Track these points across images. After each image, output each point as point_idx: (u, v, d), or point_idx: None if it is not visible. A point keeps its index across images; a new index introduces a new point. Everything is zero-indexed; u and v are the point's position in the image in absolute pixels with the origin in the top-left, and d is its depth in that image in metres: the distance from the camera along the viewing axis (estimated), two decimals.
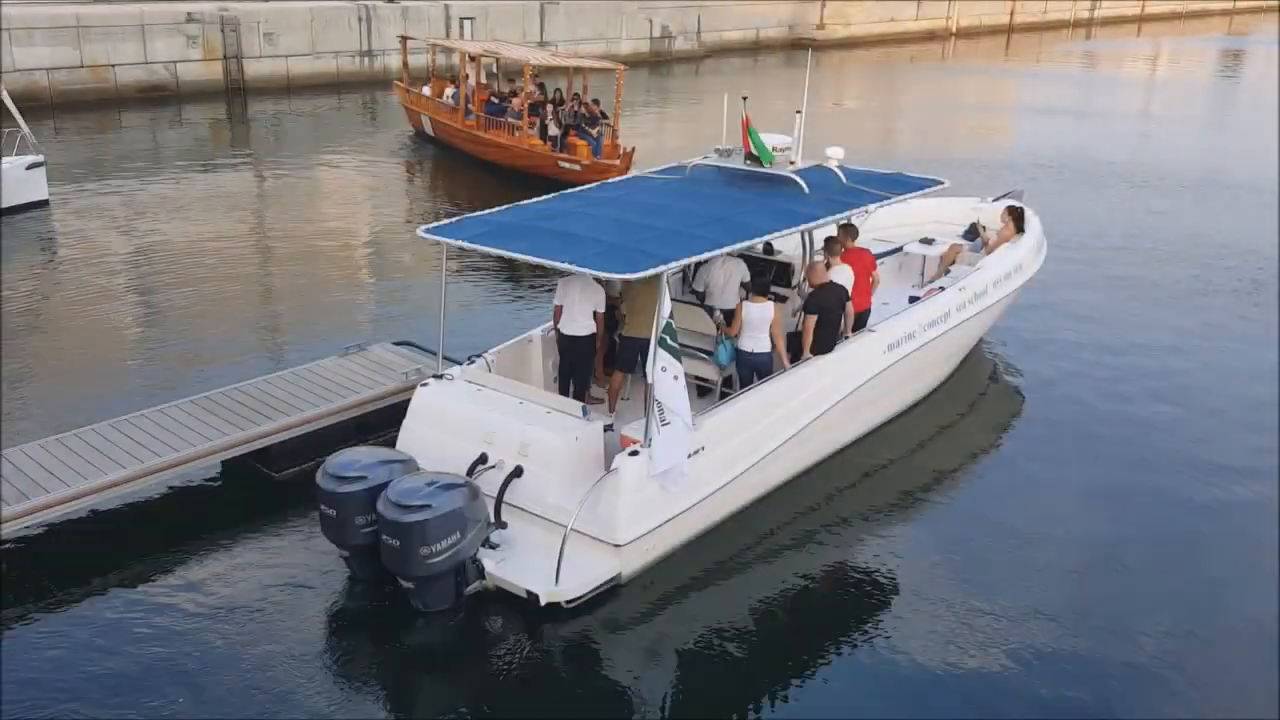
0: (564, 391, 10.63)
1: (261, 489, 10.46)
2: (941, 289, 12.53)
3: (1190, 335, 15.55)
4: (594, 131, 23.70)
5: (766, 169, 11.49)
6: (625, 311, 10.56)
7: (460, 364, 10.42)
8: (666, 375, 8.59)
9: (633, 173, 20.73)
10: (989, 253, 13.80)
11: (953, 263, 13.95)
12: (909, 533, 10.28)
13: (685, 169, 11.99)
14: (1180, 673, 8.33)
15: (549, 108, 24.19)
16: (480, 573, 8.60)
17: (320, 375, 11.50)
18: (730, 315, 10.81)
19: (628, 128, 25.91)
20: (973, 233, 14.53)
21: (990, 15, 65.07)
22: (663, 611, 8.77)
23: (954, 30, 61.74)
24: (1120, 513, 10.65)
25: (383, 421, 11.23)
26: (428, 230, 9.84)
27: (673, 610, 8.79)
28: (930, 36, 59.90)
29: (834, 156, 11.96)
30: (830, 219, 10.93)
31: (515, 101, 24.54)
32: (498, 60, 26.19)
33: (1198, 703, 8.01)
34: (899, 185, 11.94)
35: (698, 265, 10.69)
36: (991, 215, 14.67)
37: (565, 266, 8.95)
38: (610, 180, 11.73)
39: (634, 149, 22.45)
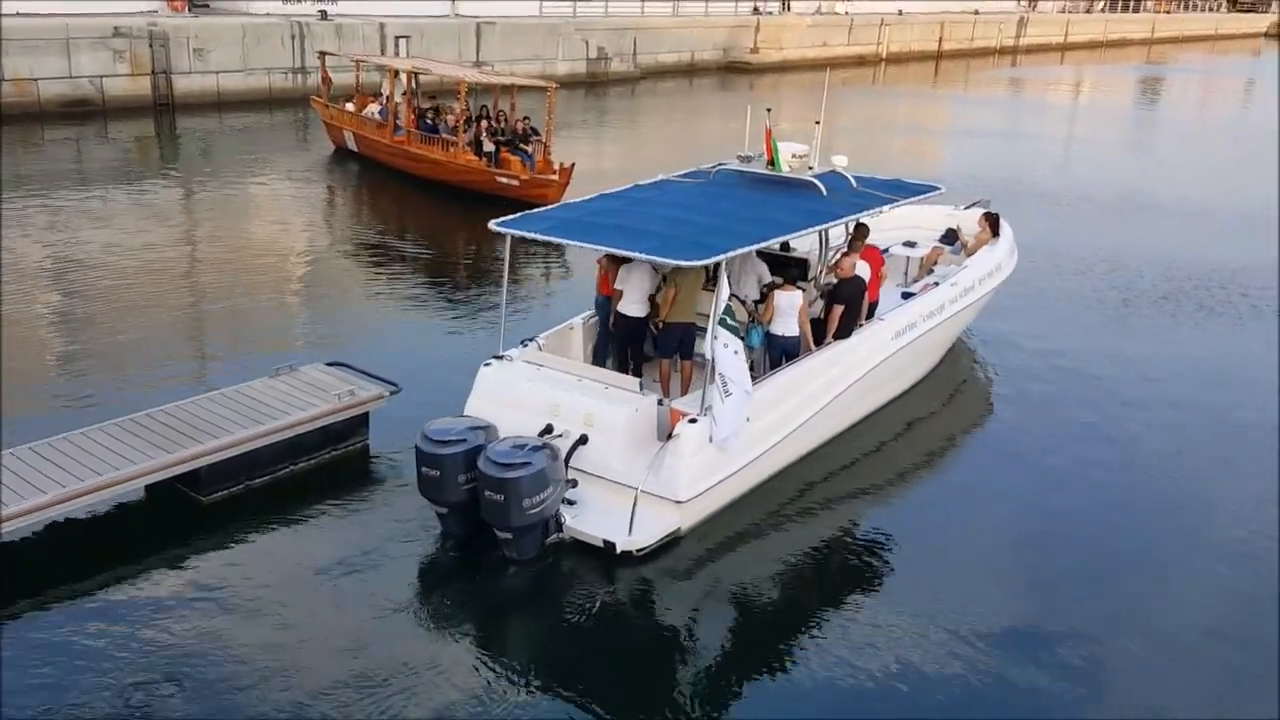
0: (621, 366, 11.64)
1: (189, 514, 10.31)
2: (936, 284, 13.79)
3: (1118, 341, 16.55)
4: (527, 148, 23.55)
5: (787, 173, 12.68)
6: (665, 300, 11.37)
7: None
8: (728, 351, 9.65)
9: (571, 188, 20.98)
10: (968, 255, 14.93)
11: (934, 264, 15.02)
12: (912, 496, 11.77)
13: (709, 173, 13.06)
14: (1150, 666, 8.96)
15: (483, 124, 24.00)
16: (559, 526, 9.74)
17: (250, 396, 11.23)
18: (759, 304, 11.94)
19: (565, 147, 25.91)
20: (950, 236, 15.57)
21: (919, 41, 66.42)
22: (716, 560, 10.02)
23: (884, 55, 62.82)
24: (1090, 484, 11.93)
25: (316, 443, 11.01)
26: (499, 224, 10.85)
27: (725, 559, 10.05)
28: (861, 61, 60.91)
29: (839, 163, 13.10)
30: (848, 218, 12.19)
31: (450, 118, 24.29)
32: (417, 76, 25.82)
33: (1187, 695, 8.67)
34: (902, 190, 13.20)
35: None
36: (967, 220, 15.90)
37: (637, 255, 10.11)
38: (640, 183, 12.71)
39: (574, 164, 22.33)
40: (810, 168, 12.92)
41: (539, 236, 10.61)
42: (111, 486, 9.63)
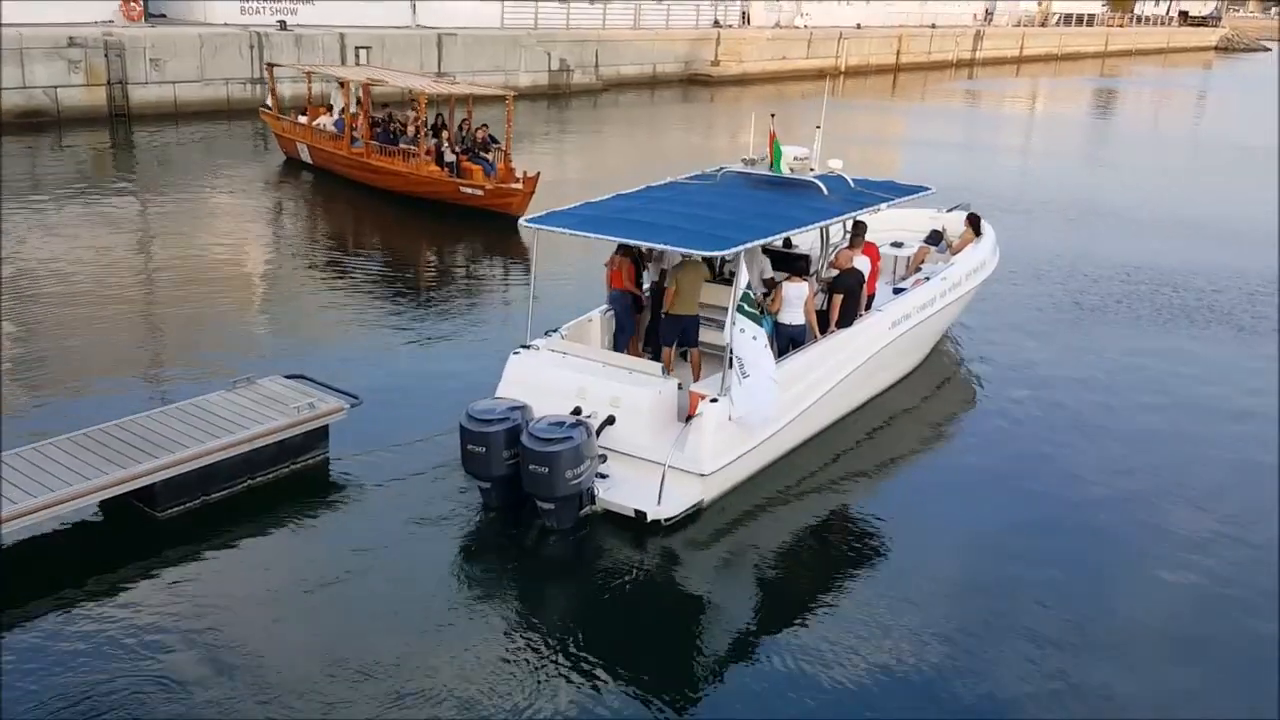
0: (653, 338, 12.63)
1: (145, 530, 10.11)
2: (927, 279, 14.60)
3: (1077, 342, 17.17)
4: (488, 156, 23.44)
5: (790, 174, 13.54)
6: (668, 294, 12.08)
7: None
8: (745, 336, 10.36)
9: (536, 198, 21.53)
10: (954, 254, 15.72)
11: (922, 262, 15.81)
12: (907, 478, 12.50)
13: (715, 175, 13.87)
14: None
15: (445, 134, 23.81)
16: (592, 499, 10.54)
17: (207, 410, 11.06)
18: (766, 296, 12.58)
19: (528, 157, 25.85)
20: (935, 237, 16.38)
21: (877, 55, 67.08)
22: (735, 532, 10.79)
23: (843, 69, 63.35)
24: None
25: (275, 457, 10.85)
26: (530, 220, 11.74)
27: (742, 531, 10.83)
28: (820, 74, 61.20)
29: (835, 166, 13.89)
30: (850, 215, 13.14)
31: (411, 129, 24.11)
32: (366, 87, 25.56)
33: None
34: (896, 190, 14.06)
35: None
36: (950, 222, 16.82)
37: (663, 247, 11.14)
38: (652, 185, 13.46)
39: (539, 173, 22.25)
40: (811, 169, 13.80)
41: (570, 232, 11.37)
42: (65, 503, 9.43)
